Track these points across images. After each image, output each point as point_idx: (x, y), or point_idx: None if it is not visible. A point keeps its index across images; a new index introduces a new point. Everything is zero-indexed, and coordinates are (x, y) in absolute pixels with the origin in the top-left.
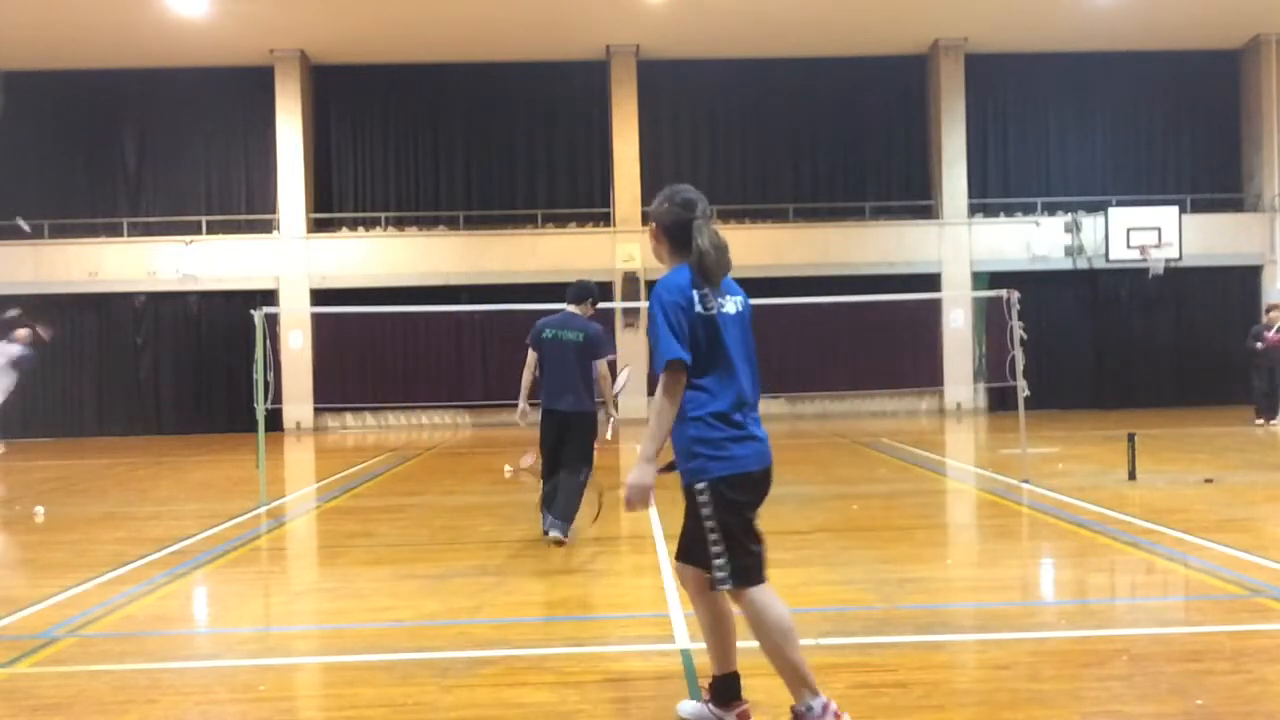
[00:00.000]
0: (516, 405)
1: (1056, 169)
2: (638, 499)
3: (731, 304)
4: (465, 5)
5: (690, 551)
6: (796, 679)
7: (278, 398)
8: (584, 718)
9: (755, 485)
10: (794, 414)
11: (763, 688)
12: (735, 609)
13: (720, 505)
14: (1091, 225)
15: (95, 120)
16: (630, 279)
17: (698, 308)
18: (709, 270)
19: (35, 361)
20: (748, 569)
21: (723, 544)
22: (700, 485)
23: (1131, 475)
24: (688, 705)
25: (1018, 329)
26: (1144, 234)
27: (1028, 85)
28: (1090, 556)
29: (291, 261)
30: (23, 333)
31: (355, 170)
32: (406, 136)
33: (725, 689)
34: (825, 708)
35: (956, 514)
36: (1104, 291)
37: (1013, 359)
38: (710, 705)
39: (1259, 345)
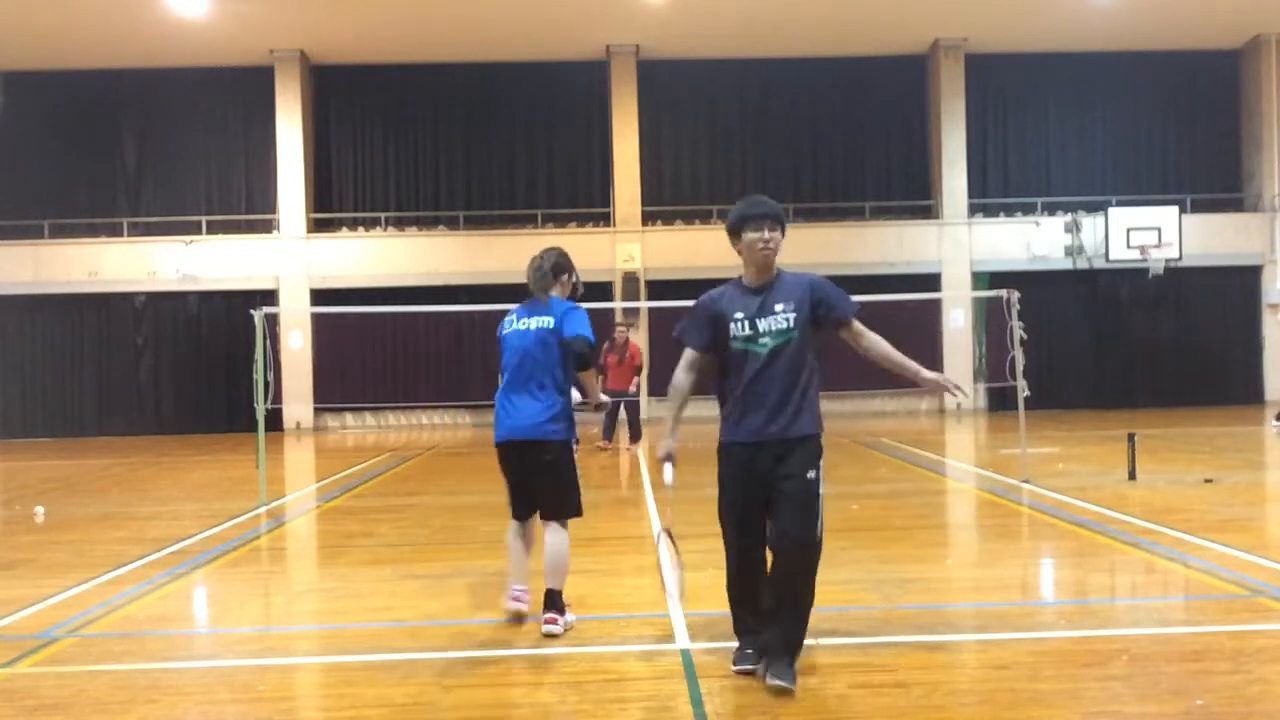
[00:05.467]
0: None
1: (1056, 169)
2: None
3: (529, 323)
4: (465, 5)
5: None
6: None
7: (278, 398)
8: (584, 718)
9: (503, 451)
10: None
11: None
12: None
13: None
14: (1091, 225)
15: (95, 120)
16: (630, 279)
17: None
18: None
19: None
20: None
21: None
22: None
23: (1131, 475)
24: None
25: (1018, 329)
26: (1144, 234)
27: (1028, 85)
28: (1090, 556)
29: (291, 261)
30: None
31: (355, 170)
32: (406, 136)
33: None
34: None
35: (956, 514)
36: (1104, 291)
37: (1013, 359)
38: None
39: None
